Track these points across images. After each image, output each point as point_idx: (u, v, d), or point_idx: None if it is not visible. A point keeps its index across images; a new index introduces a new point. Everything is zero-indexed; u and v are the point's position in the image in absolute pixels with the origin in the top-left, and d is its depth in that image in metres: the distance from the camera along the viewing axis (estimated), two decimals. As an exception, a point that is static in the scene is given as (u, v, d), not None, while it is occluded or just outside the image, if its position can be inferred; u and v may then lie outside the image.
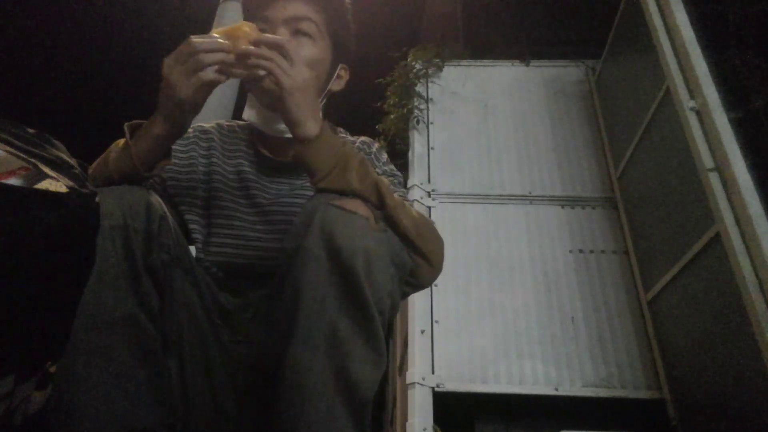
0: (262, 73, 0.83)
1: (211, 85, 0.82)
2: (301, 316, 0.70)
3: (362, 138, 1.16)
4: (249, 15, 1.03)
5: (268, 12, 1.00)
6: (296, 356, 0.69)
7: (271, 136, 1.03)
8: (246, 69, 0.83)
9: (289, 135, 0.99)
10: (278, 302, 0.75)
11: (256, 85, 0.91)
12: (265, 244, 0.99)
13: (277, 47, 0.82)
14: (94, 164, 0.89)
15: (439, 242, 0.92)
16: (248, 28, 0.85)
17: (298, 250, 0.73)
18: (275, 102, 0.84)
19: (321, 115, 1.00)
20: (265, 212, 1.02)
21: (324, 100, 1.06)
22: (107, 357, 0.70)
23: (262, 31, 0.96)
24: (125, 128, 0.86)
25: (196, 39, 0.81)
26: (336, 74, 1.07)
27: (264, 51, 0.82)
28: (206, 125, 1.13)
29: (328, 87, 1.06)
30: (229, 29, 0.85)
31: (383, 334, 0.75)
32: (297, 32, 0.99)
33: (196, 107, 0.84)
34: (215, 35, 0.83)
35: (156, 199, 0.80)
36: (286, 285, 0.74)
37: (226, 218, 1.01)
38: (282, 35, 0.97)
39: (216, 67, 0.81)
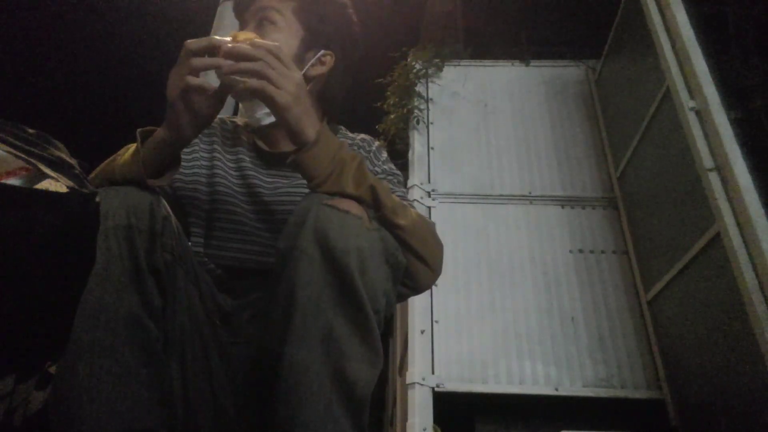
0: (252, 82, 0.78)
1: (198, 91, 0.80)
2: (296, 316, 0.70)
3: (362, 135, 1.15)
4: (237, 20, 1.07)
5: (245, 13, 1.03)
6: (293, 356, 0.69)
7: (264, 127, 1.03)
8: (232, 78, 0.80)
9: (265, 122, 1.01)
10: (273, 302, 0.75)
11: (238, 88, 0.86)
12: (265, 240, 0.99)
13: (269, 53, 0.79)
14: (99, 167, 0.89)
15: (437, 245, 0.91)
16: (244, 37, 0.84)
17: (291, 250, 0.74)
18: (273, 114, 0.82)
19: (318, 114, 1.00)
20: (267, 209, 1.02)
21: (308, 86, 1.04)
22: (109, 356, 0.70)
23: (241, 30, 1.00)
24: (137, 134, 0.86)
25: (190, 41, 0.79)
26: (316, 59, 1.04)
27: (250, 49, 0.78)
28: None
29: (303, 72, 1.02)
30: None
31: (379, 332, 0.75)
32: (261, 20, 1.01)
33: (195, 115, 0.82)
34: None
35: (159, 200, 0.80)
36: (281, 285, 0.74)
37: (227, 213, 1.01)
38: (249, 29, 1.00)
39: (202, 75, 0.79)
